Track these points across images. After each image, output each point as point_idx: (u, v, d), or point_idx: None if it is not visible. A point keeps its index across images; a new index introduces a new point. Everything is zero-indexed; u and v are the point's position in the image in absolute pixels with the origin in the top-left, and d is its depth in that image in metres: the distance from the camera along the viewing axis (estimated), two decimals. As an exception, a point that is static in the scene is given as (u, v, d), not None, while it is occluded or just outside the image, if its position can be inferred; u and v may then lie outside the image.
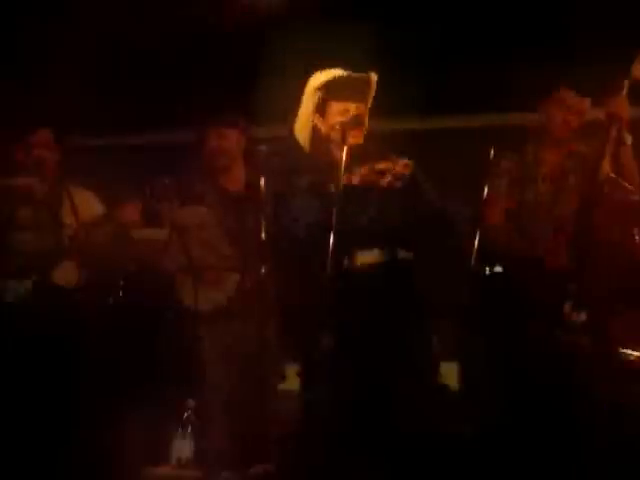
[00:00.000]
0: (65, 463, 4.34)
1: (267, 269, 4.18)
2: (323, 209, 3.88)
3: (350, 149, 3.84)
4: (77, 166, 4.85)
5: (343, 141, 3.86)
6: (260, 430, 4.53)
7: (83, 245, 4.58)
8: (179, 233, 4.41)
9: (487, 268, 4.35)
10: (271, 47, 5.73)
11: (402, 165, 3.91)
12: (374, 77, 4.02)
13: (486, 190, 4.09)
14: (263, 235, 4.04)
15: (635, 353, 4.14)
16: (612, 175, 4.22)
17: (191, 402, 4.62)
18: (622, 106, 4.23)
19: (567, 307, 4.12)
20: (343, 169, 3.81)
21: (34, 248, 4.62)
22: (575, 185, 4.46)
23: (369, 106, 4.06)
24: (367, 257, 3.93)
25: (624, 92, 4.23)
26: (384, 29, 5.60)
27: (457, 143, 5.67)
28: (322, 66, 4.08)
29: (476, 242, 4.00)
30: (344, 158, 3.81)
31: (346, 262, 3.88)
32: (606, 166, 4.22)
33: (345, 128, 3.91)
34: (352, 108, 3.99)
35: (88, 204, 4.76)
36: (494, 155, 4.16)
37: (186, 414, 4.62)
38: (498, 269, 4.38)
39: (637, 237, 4.22)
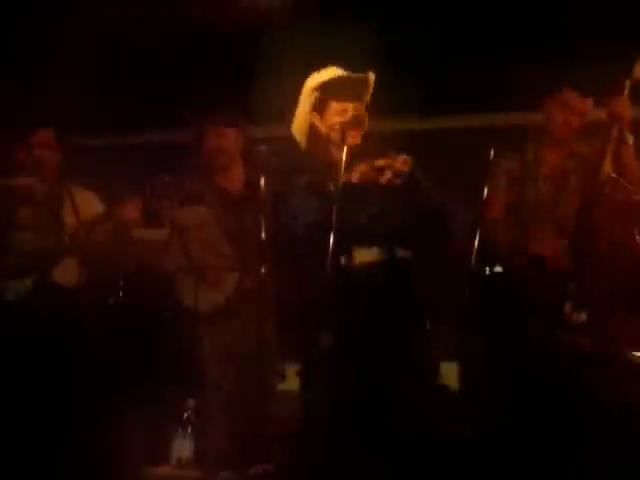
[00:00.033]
0: (65, 463, 4.34)
1: (267, 269, 4.18)
2: (322, 208, 3.88)
3: (350, 149, 3.84)
4: (77, 166, 4.85)
5: (343, 141, 3.86)
6: (260, 430, 4.53)
7: (83, 243, 4.58)
8: (179, 233, 4.40)
9: (487, 268, 4.35)
10: (269, 47, 5.73)
11: (401, 161, 3.91)
12: (372, 77, 4.03)
13: (486, 189, 4.10)
14: (263, 235, 4.04)
15: (636, 353, 4.14)
16: (613, 175, 4.22)
17: (191, 402, 4.61)
18: (624, 106, 4.23)
19: (567, 307, 4.12)
20: (343, 169, 3.81)
21: (34, 248, 4.62)
22: (576, 186, 4.46)
23: (367, 105, 4.06)
24: (366, 255, 3.93)
25: (626, 92, 4.24)
26: (384, 29, 5.60)
27: (457, 143, 5.67)
28: (321, 65, 4.09)
29: (476, 242, 4.00)
30: (344, 158, 3.80)
31: (344, 261, 3.88)
32: (607, 166, 4.23)
33: (345, 128, 3.91)
34: (350, 108, 3.99)
35: (89, 204, 4.76)
36: (494, 155, 4.17)
37: (186, 414, 4.61)
38: (498, 269, 4.39)
39: (638, 237, 4.22)
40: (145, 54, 5.93)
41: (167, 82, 5.99)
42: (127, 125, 6.21)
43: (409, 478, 3.76)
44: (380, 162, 3.92)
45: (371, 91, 4.06)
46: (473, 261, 4.00)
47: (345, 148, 3.82)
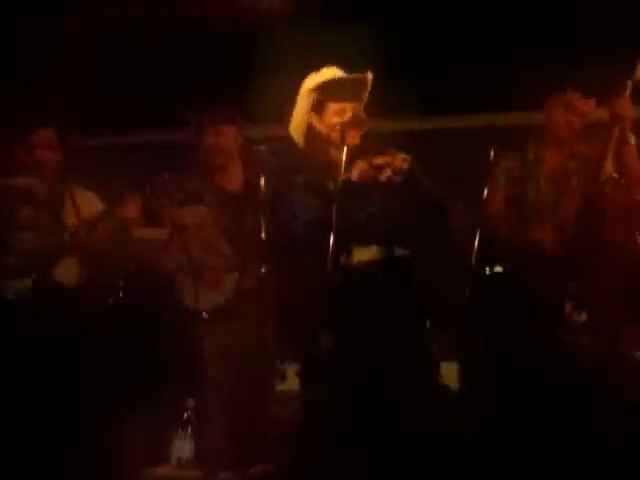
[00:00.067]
0: (65, 463, 4.33)
1: (266, 268, 4.18)
2: (321, 206, 3.88)
3: (349, 149, 3.83)
4: (77, 166, 4.85)
5: (342, 141, 3.86)
6: (260, 430, 4.52)
7: (84, 242, 4.58)
8: (179, 233, 4.40)
9: (487, 267, 4.34)
10: (268, 46, 5.73)
11: (400, 159, 3.91)
12: (370, 77, 4.02)
13: (486, 188, 4.10)
14: (263, 235, 4.03)
15: (637, 353, 4.14)
16: (614, 175, 4.23)
17: (191, 402, 4.61)
18: (625, 106, 4.25)
19: (568, 307, 4.13)
20: (343, 169, 3.81)
21: (35, 248, 4.62)
22: (577, 186, 4.47)
23: (364, 105, 4.06)
24: (365, 254, 3.92)
25: (627, 93, 4.25)
26: (384, 29, 5.60)
27: (457, 143, 5.67)
28: (321, 66, 4.08)
29: (476, 242, 4.00)
30: (344, 158, 3.80)
31: (344, 259, 3.88)
32: (608, 166, 4.24)
33: (344, 128, 3.91)
34: (349, 108, 3.99)
35: (89, 204, 4.75)
36: (494, 155, 4.17)
37: (186, 414, 4.61)
38: (498, 269, 4.39)
39: (639, 237, 4.22)
40: (145, 54, 5.93)
41: (167, 82, 5.99)
42: (127, 125, 6.21)
43: (409, 478, 3.76)
44: (379, 160, 3.92)
45: (369, 90, 4.05)
46: (473, 261, 4.00)
47: (345, 148, 3.82)
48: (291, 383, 4.61)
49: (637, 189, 4.27)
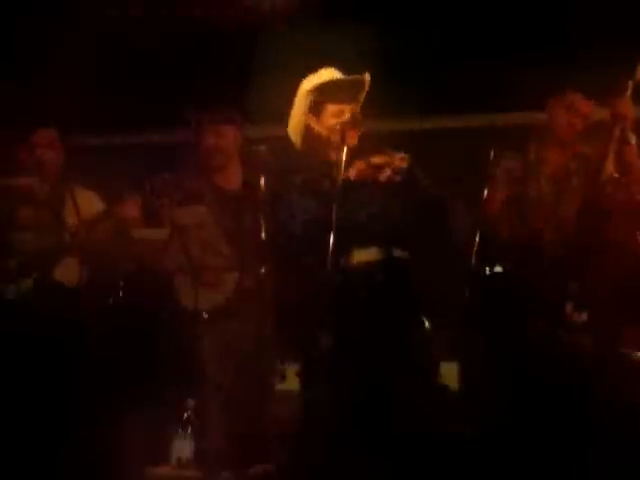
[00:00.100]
0: (65, 463, 4.33)
1: (266, 268, 4.17)
2: (320, 206, 3.88)
3: (349, 149, 3.83)
4: (77, 165, 4.86)
5: (343, 141, 3.86)
6: (260, 430, 4.52)
7: (84, 242, 4.58)
8: (179, 233, 4.40)
9: (487, 267, 4.34)
10: (267, 47, 5.73)
11: (399, 159, 3.92)
12: (367, 77, 4.02)
13: (487, 188, 4.10)
14: (263, 234, 4.03)
15: (637, 353, 4.14)
16: (615, 175, 4.24)
17: (191, 402, 4.61)
18: (626, 106, 4.26)
19: (569, 307, 4.13)
20: (343, 169, 3.81)
21: (35, 248, 4.62)
22: (578, 186, 4.47)
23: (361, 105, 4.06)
24: (365, 254, 3.92)
25: (628, 93, 4.26)
26: (384, 29, 5.60)
27: (457, 143, 5.67)
28: (321, 66, 4.08)
29: (476, 242, 4.00)
30: (344, 158, 3.80)
31: (344, 259, 3.87)
32: (609, 166, 4.25)
33: (345, 128, 3.91)
34: (347, 109, 3.99)
35: (90, 204, 4.76)
36: (494, 155, 4.18)
37: (186, 414, 4.61)
38: (498, 269, 4.39)
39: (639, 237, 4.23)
40: (145, 54, 5.93)
41: (167, 82, 5.99)
42: (127, 125, 6.21)
43: (409, 478, 3.76)
44: (378, 160, 3.92)
45: (367, 91, 4.05)
46: (473, 261, 4.01)
47: (345, 148, 3.82)
48: (291, 383, 4.61)
49: (638, 189, 4.27)
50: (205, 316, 4.53)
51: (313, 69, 4.08)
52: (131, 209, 4.56)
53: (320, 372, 3.75)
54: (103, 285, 4.79)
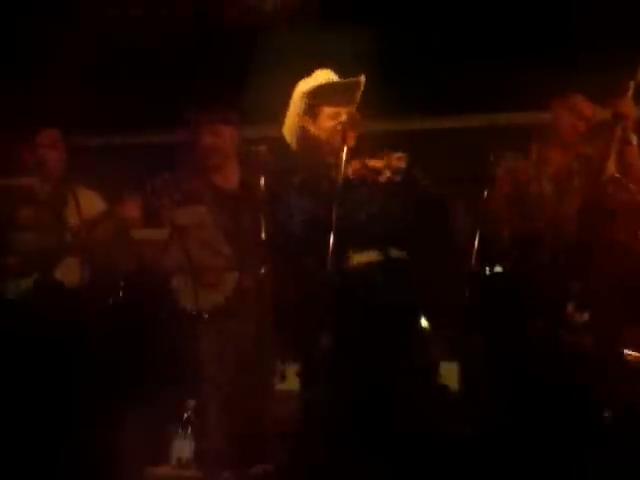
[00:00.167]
0: (65, 463, 4.33)
1: (266, 268, 4.17)
2: (318, 206, 3.88)
3: (349, 150, 3.83)
4: (77, 165, 4.86)
5: (343, 142, 3.85)
6: (260, 430, 4.52)
7: (85, 242, 4.58)
8: (179, 233, 4.40)
9: (487, 267, 4.35)
10: (266, 47, 5.73)
11: (396, 159, 3.91)
12: (363, 79, 4.01)
13: (488, 188, 4.11)
14: (262, 234, 4.03)
15: (637, 353, 4.15)
16: (617, 175, 4.24)
17: (191, 402, 4.61)
18: (628, 106, 4.26)
19: (570, 307, 4.13)
20: (343, 169, 3.81)
21: (36, 248, 4.62)
22: (580, 186, 4.48)
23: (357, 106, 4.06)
24: (365, 254, 3.92)
25: (630, 93, 4.26)
26: (384, 29, 5.60)
27: (457, 143, 5.67)
28: (320, 66, 4.07)
29: (476, 242, 4.00)
30: (344, 158, 3.80)
31: (343, 260, 3.87)
32: (611, 166, 4.25)
33: (345, 129, 3.90)
34: (343, 112, 3.97)
35: (92, 204, 4.76)
36: (495, 155, 4.18)
37: (186, 414, 4.61)
38: (498, 269, 4.39)
39: (641, 237, 4.24)
40: (145, 54, 5.93)
41: (167, 82, 5.99)
42: (127, 125, 6.21)
43: (409, 478, 3.76)
44: (376, 164, 3.92)
45: (362, 90, 4.03)
46: (473, 261, 4.01)
47: (345, 148, 3.81)
48: (291, 383, 4.61)
49: (638, 189, 4.27)
50: (205, 316, 4.53)
51: (312, 70, 4.07)
52: (132, 209, 4.57)
53: (320, 372, 3.75)
54: (103, 285, 4.79)
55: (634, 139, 4.30)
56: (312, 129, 4.01)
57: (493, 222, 4.33)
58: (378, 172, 3.90)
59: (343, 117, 3.95)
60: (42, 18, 5.91)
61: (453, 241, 4.23)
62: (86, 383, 4.49)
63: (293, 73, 4.13)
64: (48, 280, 4.64)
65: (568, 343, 4.15)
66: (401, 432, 3.76)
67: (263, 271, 4.25)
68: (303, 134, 4.03)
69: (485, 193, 4.16)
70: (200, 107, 4.76)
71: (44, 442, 4.37)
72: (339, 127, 3.93)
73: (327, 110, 3.99)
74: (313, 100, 3.99)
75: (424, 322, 4.00)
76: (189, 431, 4.59)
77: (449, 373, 4.23)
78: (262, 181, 4.08)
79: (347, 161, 3.81)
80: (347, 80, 4.02)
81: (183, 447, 4.58)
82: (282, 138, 4.08)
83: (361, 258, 3.91)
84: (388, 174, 3.90)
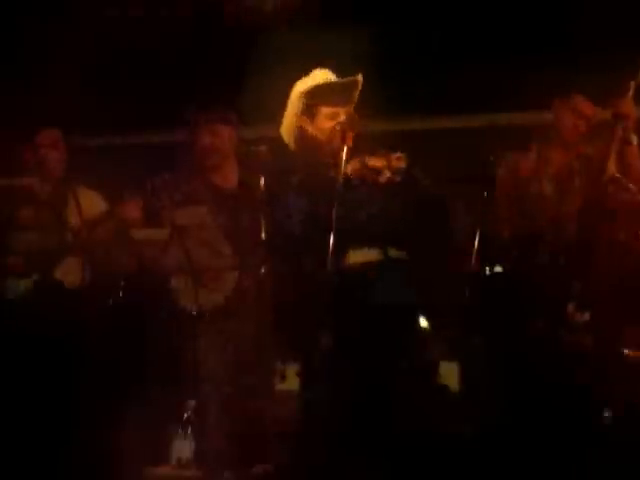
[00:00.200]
0: (65, 463, 4.33)
1: (266, 268, 4.17)
2: (317, 206, 3.87)
3: (349, 149, 3.83)
4: (77, 165, 4.86)
5: (343, 142, 3.85)
6: (260, 430, 4.52)
7: (85, 242, 4.58)
8: (179, 233, 4.39)
9: (487, 267, 4.35)
10: (265, 47, 5.73)
11: (396, 159, 3.91)
12: (360, 79, 4.00)
13: (488, 187, 4.11)
14: (262, 234, 4.03)
15: (637, 353, 4.15)
16: (617, 175, 4.24)
17: (191, 402, 4.61)
18: (628, 106, 4.27)
19: (570, 307, 4.13)
20: (343, 169, 3.81)
21: (37, 248, 4.62)
22: (580, 186, 4.49)
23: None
24: (365, 254, 3.92)
25: (630, 93, 4.27)
26: (384, 29, 5.60)
27: (457, 143, 5.67)
28: (322, 66, 4.07)
29: (476, 242, 4.00)
30: (344, 158, 3.80)
31: (343, 260, 3.87)
32: (612, 166, 4.25)
33: (345, 129, 3.90)
34: (341, 112, 3.97)
35: (93, 204, 4.76)
36: (497, 155, 4.19)
37: (186, 414, 4.61)
38: (498, 269, 4.39)
39: (641, 237, 4.24)
40: (145, 54, 5.94)
41: (167, 82, 5.99)
42: (127, 125, 6.21)
43: (409, 478, 3.76)
44: (376, 162, 3.92)
45: (359, 90, 4.03)
46: (473, 261, 4.01)
47: (345, 148, 3.81)
48: (291, 383, 4.61)
49: (637, 189, 4.28)
50: (205, 316, 4.52)
51: (311, 70, 4.07)
52: (132, 210, 4.57)
53: (320, 372, 3.75)
54: (103, 285, 4.79)
55: (634, 139, 4.31)
56: (310, 129, 4.00)
57: (494, 224, 4.33)
58: (378, 171, 3.90)
59: (341, 117, 3.94)
60: (42, 18, 5.91)
61: (453, 241, 4.23)
62: (86, 383, 4.49)
63: (293, 73, 4.13)
64: (48, 280, 4.64)
65: (568, 343, 4.15)
66: (401, 432, 3.76)
67: (263, 271, 4.24)
68: (301, 134, 4.03)
69: (485, 193, 4.16)
70: (200, 107, 4.76)
71: (44, 442, 4.36)
72: (338, 128, 3.93)
73: (325, 110, 3.99)
74: (311, 100, 3.99)
75: (424, 322, 4.00)
76: (189, 431, 4.59)
77: (449, 373, 4.23)
78: (261, 181, 4.07)
79: (347, 161, 3.81)
80: (345, 80, 4.02)
81: (183, 447, 4.58)
82: (280, 138, 4.08)
83: (361, 258, 3.91)
84: (388, 174, 3.90)
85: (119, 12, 6.06)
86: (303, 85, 4.02)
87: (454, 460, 3.78)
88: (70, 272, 4.69)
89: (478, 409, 4.15)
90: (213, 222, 4.46)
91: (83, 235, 4.61)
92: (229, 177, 4.73)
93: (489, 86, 5.54)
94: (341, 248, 3.82)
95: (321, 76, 4.03)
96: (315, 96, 3.98)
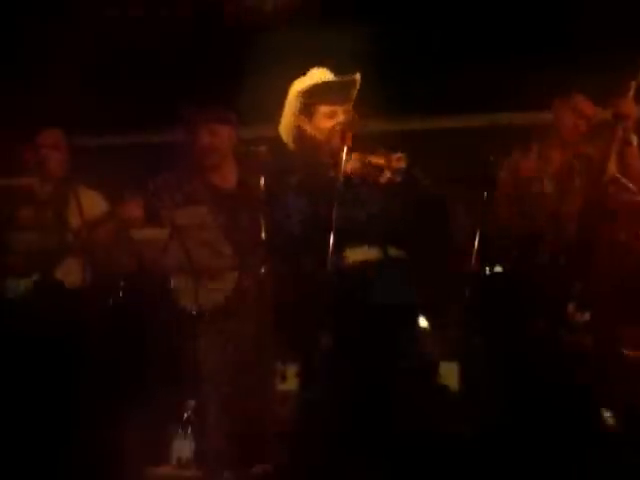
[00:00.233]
0: (65, 463, 4.33)
1: (266, 268, 4.17)
2: (316, 206, 3.87)
3: (349, 149, 3.83)
4: (77, 165, 4.86)
5: (342, 141, 3.84)
6: (260, 430, 4.52)
7: (86, 242, 4.59)
8: (179, 233, 4.39)
9: (487, 267, 4.35)
10: (264, 47, 5.73)
11: (396, 159, 3.91)
12: (358, 77, 3.99)
13: (489, 187, 4.12)
14: (262, 234, 4.03)
15: (637, 353, 4.15)
16: (617, 175, 4.24)
17: (191, 402, 4.61)
18: (629, 106, 4.27)
19: (570, 307, 4.13)
20: (342, 169, 3.80)
21: (37, 248, 4.62)
22: (580, 186, 4.49)
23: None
24: (365, 254, 3.91)
25: (630, 93, 4.27)
26: (384, 29, 5.60)
27: (457, 143, 5.67)
28: (321, 66, 4.07)
29: (476, 242, 4.00)
30: (344, 157, 3.80)
31: (342, 260, 3.87)
32: (612, 167, 4.26)
33: (345, 129, 3.89)
34: (340, 110, 3.97)
35: (94, 204, 4.76)
36: (497, 155, 4.19)
37: (186, 414, 4.61)
38: (498, 269, 4.39)
39: (641, 237, 4.24)
40: (145, 54, 5.94)
41: (166, 82, 5.99)
42: (127, 125, 6.21)
43: (409, 478, 3.76)
44: (377, 160, 3.91)
45: (358, 88, 4.02)
46: (473, 261, 4.01)
47: (345, 148, 3.81)
48: (291, 383, 4.61)
49: (636, 189, 4.28)
50: (205, 316, 4.53)
51: (309, 69, 4.07)
52: (133, 210, 4.57)
53: (320, 372, 3.75)
54: (104, 285, 4.79)
55: (634, 140, 4.31)
56: (308, 128, 4.00)
57: (493, 222, 4.33)
58: (379, 170, 3.90)
59: (340, 116, 3.94)
60: (42, 18, 5.91)
61: (453, 241, 4.23)
62: (86, 383, 4.49)
63: (293, 73, 4.13)
64: (48, 280, 4.64)
65: (568, 343, 4.15)
66: (401, 432, 3.76)
67: (263, 271, 4.24)
68: (299, 134, 4.02)
69: (485, 193, 4.16)
70: (199, 107, 4.76)
71: (44, 442, 4.37)
72: (338, 127, 3.92)
73: (323, 109, 3.98)
74: (309, 99, 3.98)
75: (424, 322, 4.00)
76: (189, 431, 4.59)
77: (449, 373, 4.23)
78: (260, 181, 4.07)
79: (346, 161, 3.80)
80: (342, 78, 4.01)
81: (183, 447, 4.59)
82: (280, 138, 4.08)
83: (361, 258, 3.91)
84: (388, 175, 3.89)
85: (119, 12, 6.06)
86: (301, 84, 4.01)
87: (454, 460, 3.78)
88: (70, 272, 4.69)
89: (478, 409, 4.15)
90: (213, 222, 4.46)
91: (83, 235, 4.61)
92: (228, 177, 4.72)
93: (489, 86, 5.54)
94: (341, 248, 3.82)
95: (319, 75, 4.02)
96: (313, 95, 3.98)
